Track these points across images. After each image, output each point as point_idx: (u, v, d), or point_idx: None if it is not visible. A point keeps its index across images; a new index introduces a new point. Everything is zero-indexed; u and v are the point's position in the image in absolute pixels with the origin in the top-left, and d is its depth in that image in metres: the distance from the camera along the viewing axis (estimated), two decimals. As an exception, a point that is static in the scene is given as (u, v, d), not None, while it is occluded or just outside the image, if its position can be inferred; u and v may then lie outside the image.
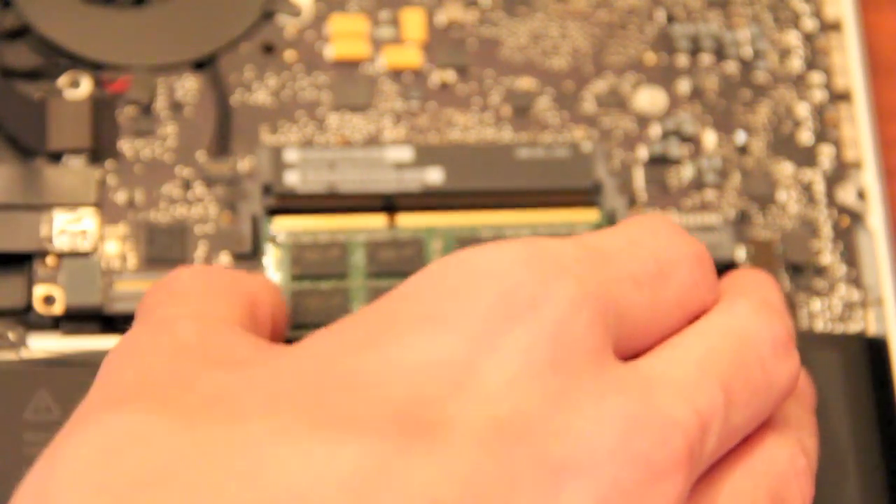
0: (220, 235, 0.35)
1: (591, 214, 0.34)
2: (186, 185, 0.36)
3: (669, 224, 0.28)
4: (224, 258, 0.35)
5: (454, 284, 0.25)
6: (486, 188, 0.35)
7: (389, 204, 0.35)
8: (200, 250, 0.35)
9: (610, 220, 0.35)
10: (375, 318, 0.25)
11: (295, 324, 0.33)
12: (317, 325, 0.31)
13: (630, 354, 0.26)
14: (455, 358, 0.24)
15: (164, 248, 0.35)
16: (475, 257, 0.25)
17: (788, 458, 0.27)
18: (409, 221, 0.34)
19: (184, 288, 0.28)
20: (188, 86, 0.37)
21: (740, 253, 0.36)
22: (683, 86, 0.38)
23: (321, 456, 0.22)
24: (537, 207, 0.35)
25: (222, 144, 0.36)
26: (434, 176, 0.35)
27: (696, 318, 0.28)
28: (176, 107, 0.36)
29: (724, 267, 0.35)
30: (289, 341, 0.31)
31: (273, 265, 0.34)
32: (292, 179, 0.35)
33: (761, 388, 0.26)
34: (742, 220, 0.36)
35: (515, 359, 0.24)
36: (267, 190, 0.35)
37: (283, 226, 0.34)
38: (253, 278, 0.30)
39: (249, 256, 0.35)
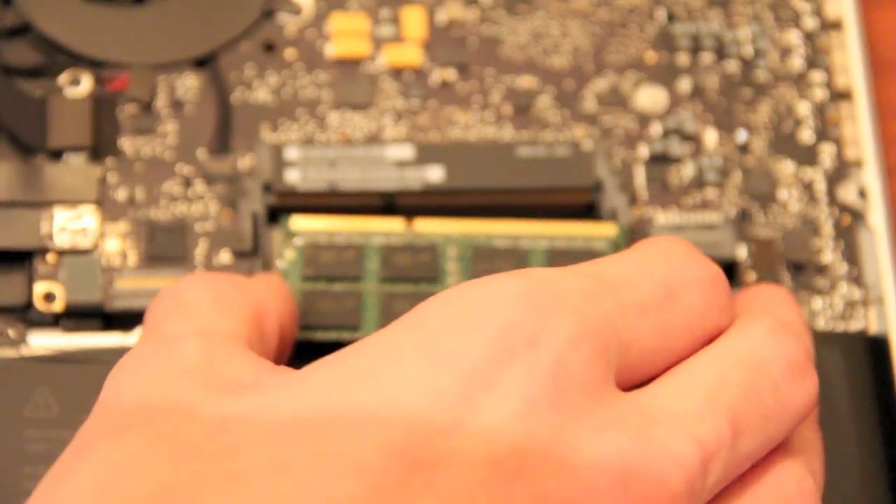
0: (220, 233, 0.35)
1: (608, 228, 0.34)
2: (187, 183, 0.36)
3: (683, 246, 0.28)
4: (224, 256, 0.35)
5: (454, 319, 0.25)
6: (487, 186, 0.35)
7: (390, 202, 0.35)
8: (201, 248, 0.35)
9: (628, 233, 0.35)
10: (377, 351, 0.25)
11: (305, 325, 0.33)
12: (327, 328, 0.33)
13: (638, 382, 0.26)
14: (454, 394, 0.24)
15: (164, 246, 0.35)
16: (475, 291, 0.25)
17: (796, 483, 0.27)
18: (426, 227, 0.34)
19: (191, 299, 0.28)
20: (188, 84, 0.37)
21: (741, 251, 0.36)
22: (684, 84, 0.38)
23: (319, 492, 0.22)
24: (538, 205, 0.35)
25: (223, 142, 0.36)
26: (435, 174, 0.35)
27: (708, 341, 0.27)
28: (176, 105, 0.36)
29: (725, 265, 0.35)
30: (298, 343, 0.32)
31: (286, 264, 0.34)
32: (293, 177, 0.35)
33: (774, 413, 0.26)
34: (743, 218, 0.36)
35: (513, 396, 0.24)
36: (267, 188, 0.35)
37: (300, 225, 0.34)
38: (262, 286, 0.30)
39: (249, 254, 0.35)
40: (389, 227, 0.34)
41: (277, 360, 0.29)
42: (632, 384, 0.26)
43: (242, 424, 0.24)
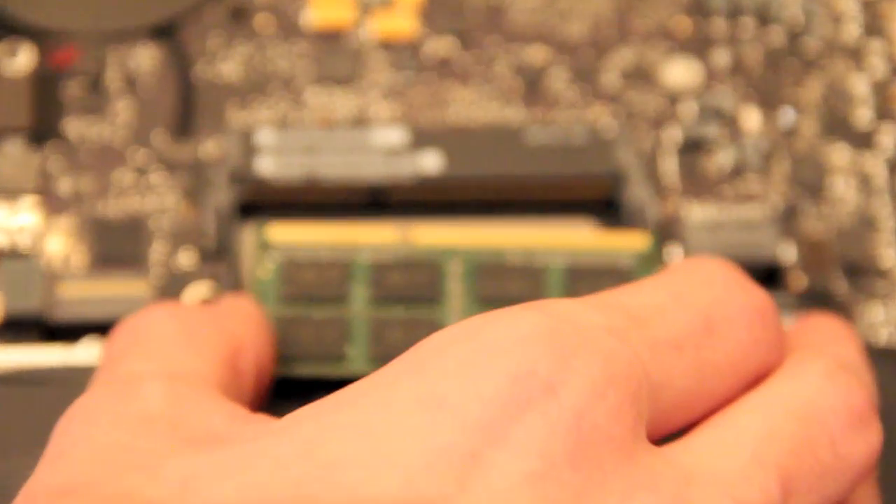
0: (180, 231, 0.35)
1: (637, 240, 0.33)
2: (142, 173, 0.35)
3: (726, 270, 0.27)
4: (185, 258, 0.35)
5: (461, 361, 0.24)
6: (492, 176, 0.35)
7: (379, 196, 0.35)
8: (157, 249, 0.35)
9: (660, 245, 0.34)
10: (368, 397, 0.24)
11: (281, 355, 0.32)
12: (307, 360, 0.32)
13: (672, 431, 0.26)
14: (459, 450, 0.23)
15: (115, 246, 0.35)
16: (486, 329, 0.25)
17: None
18: (424, 237, 0.33)
19: (155, 334, 0.28)
20: (144, 56, 0.37)
21: (787, 253, 0.35)
22: (721, 56, 0.38)
23: None
24: (549, 199, 0.35)
25: (183, 125, 0.36)
26: (431, 162, 0.35)
27: (754, 383, 0.27)
28: (129, 81, 0.36)
29: (767, 270, 0.35)
30: (275, 380, 0.31)
31: (263, 281, 0.33)
32: (265, 166, 0.34)
33: (831, 471, 0.26)
34: (790, 213, 0.36)
35: (529, 452, 0.23)
36: (235, 178, 0.34)
37: (279, 236, 0.33)
38: (237, 318, 0.30)
39: (214, 256, 0.34)
40: (381, 238, 0.33)
41: (254, 401, 0.29)
42: (665, 434, 0.26)
43: (213, 483, 0.23)
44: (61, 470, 0.25)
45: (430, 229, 0.33)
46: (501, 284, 0.33)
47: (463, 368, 0.24)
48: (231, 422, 0.26)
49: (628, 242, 0.34)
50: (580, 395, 0.24)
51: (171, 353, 0.27)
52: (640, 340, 0.25)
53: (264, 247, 0.33)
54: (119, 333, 0.29)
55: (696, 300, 0.26)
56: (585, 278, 0.33)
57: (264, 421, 0.25)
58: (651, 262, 0.33)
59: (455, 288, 0.33)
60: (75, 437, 0.25)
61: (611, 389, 0.24)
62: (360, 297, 0.33)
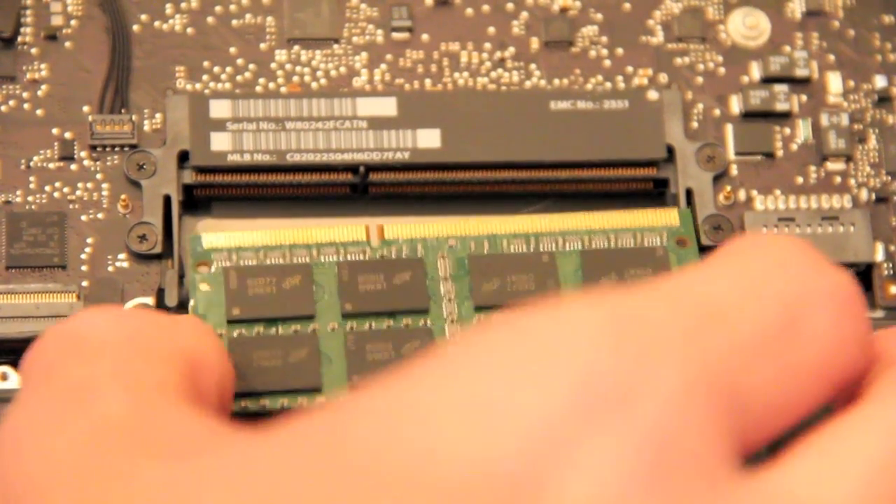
0: (114, 227, 0.34)
1: (665, 215, 0.33)
2: (68, 154, 0.34)
3: (803, 251, 0.26)
4: (120, 261, 0.33)
5: (512, 365, 0.23)
6: (504, 159, 0.34)
7: (362, 181, 0.34)
8: (85, 248, 0.33)
9: (693, 222, 0.33)
10: (403, 401, 0.23)
11: (239, 391, 0.31)
12: (272, 393, 0.31)
13: (758, 447, 0.25)
14: (516, 470, 0.22)
15: (32, 245, 0.33)
16: (539, 328, 0.24)
17: None
18: (400, 232, 0.33)
19: (100, 339, 0.27)
20: (70, 8, 0.36)
21: (877, 251, 0.35)
22: (795, 6, 0.37)
23: None
24: (580, 186, 0.34)
25: (119, 94, 0.35)
26: (427, 139, 0.34)
27: (843, 385, 0.26)
28: (51, 39, 0.35)
29: (858, 272, 0.34)
30: (233, 416, 0.32)
31: (199, 303, 0.32)
32: (221, 145, 0.34)
33: None
34: (882, 204, 0.35)
35: (599, 474, 0.22)
36: (185, 160, 0.34)
37: (214, 241, 0.32)
38: (193, 330, 0.29)
39: (157, 257, 0.33)
40: (346, 236, 0.32)
41: None
42: (750, 452, 0.25)
43: (196, 495, 0.23)
44: (7, 498, 0.24)
45: (404, 222, 0.33)
46: (502, 280, 0.32)
47: (516, 375, 0.23)
48: (207, 431, 0.25)
49: (654, 220, 0.33)
50: (661, 408, 0.23)
51: (120, 357, 0.26)
52: (720, 342, 0.24)
53: (199, 257, 0.32)
54: (49, 341, 0.27)
55: (774, 290, 0.25)
56: (605, 267, 0.32)
57: (248, 432, 0.24)
58: (684, 243, 0.33)
59: (447, 289, 0.32)
60: (17, 454, 0.25)
61: (695, 400, 0.23)
62: (328, 310, 0.32)
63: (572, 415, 0.23)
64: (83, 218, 0.34)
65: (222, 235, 0.32)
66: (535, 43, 0.36)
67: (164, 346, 0.28)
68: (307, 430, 0.24)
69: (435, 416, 0.23)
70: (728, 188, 0.35)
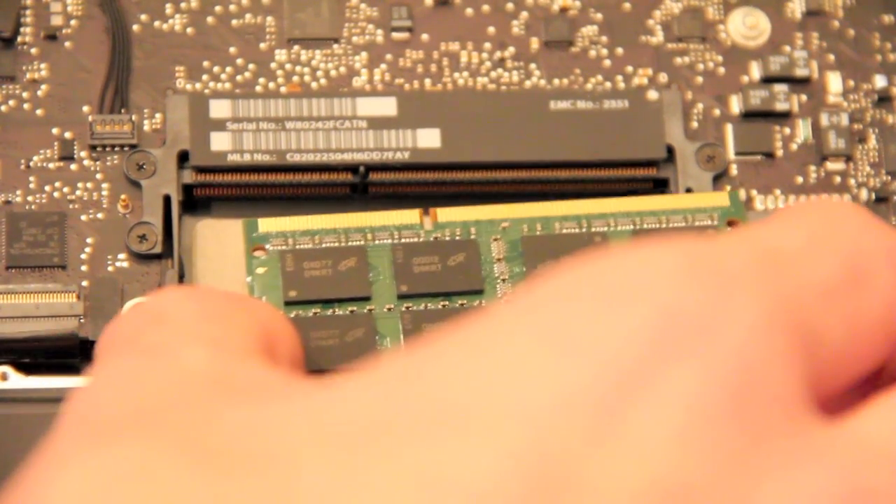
0: (114, 227, 0.34)
1: (716, 197, 0.33)
2: (67, 154, 0.34)
3: (856, 212, 0.26)
4: (121, 262, 0.33)
5: (593, 300, 0.23)
6: (504, 159, 0.34)
7: (362, 181, 0.34)
8: (85, 248, 0.33)
9: (742, 204, 0.33)
10: (478, 337, 0.24)
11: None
12: (321, 373, 0.31)
13: (825, 398, 0.25)
14: (591, 398, 0.22)
15: (32, 245, 0.33)
16: (621, 266, 0.24)
17: None
18: (453, 215, 0.33)
19: (177, 312, 0.27)
20: (70, 8, 0.36)
21: None
22: (795, 6, 0.37)
23: None
24: (580, 185, 0.34)
25: (119, 94, 0.35)
26: (427, 139, 0.34)
27: None
28: (51, 39, 0.35)
29: None
30: None
31: (255, 286, 0.32)
32: (222, 145, 0.34)
33: None
34: (881, 204, 0.35)
35: (679, 407, 0.22)
36: (185, 160, 0.34)
37: (268, 225, 0.32)
38: (267, 307, 0.30)
39: (158, 257, 0.33)
40: (400, 220, 0.32)
41: None
42: (822, 400, 0.25)
43: (288, 431, 0.23)
44: (93, 424, 0.24)
45: (455, 207, 0.33)
46: (556, 260, 0.32)
47: (595, 310, 0.23)
48: (288, 382, 0.25)
49: (704, 201, 0.33)
50: (741, 340, 0.23)
51: (199, 326, 0.27)
52: (791, 284, 0.24)
53: (254, 241, 0.32)
54: (129, 316, 0.28)
55: (839, 244, 0.25)
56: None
57: (329, 380, 0.25)
58: (736, 224, 0.33)
59: (500, 270, 0.32)
60: (103, 397, 0.25)
61: (775, 333, 0.23)
62: (384, 291, 0.32)
63: (655, 346, 0.23)
64: (83, 218, 0.34)
65: (276, 220, 0.32)
66: (534, 43, 0.36)
67: (242, 317, 0.28)
68: (385, 371, 0.24)
69: (516, 349, 0.23)
70: (728, 188, 0.35)
